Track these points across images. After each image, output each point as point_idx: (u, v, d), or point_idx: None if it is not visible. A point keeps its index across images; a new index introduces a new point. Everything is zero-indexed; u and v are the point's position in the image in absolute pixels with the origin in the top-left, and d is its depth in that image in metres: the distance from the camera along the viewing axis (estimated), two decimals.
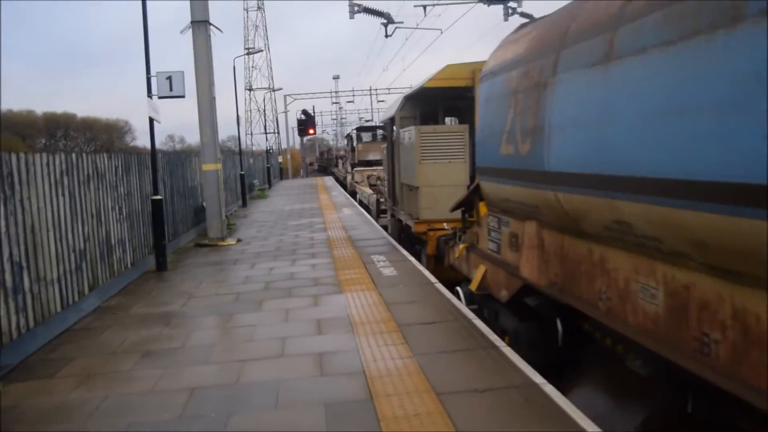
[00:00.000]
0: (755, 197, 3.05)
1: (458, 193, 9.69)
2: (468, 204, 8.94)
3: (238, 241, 15.65)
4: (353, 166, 36.22)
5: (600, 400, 5.61)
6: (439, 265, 11.06)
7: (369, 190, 25.34)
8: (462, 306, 8.07)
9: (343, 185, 39.59)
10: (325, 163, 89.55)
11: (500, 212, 7.43)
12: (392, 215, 16.07)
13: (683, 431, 4.55)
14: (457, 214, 9.30)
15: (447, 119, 14.26)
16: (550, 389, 5.18)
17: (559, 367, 6.33)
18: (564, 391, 5.46)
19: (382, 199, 20.66)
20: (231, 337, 7.38)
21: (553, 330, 6.55)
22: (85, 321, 8.46)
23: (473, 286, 8.17)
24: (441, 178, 11.75)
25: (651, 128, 3.93)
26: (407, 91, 14.68)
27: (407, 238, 14.28)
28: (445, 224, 10.77)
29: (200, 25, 14.78)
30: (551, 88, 5.47)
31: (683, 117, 3.61)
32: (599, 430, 4.51)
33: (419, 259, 12.33)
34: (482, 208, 8.32)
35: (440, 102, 13.43)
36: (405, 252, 12.53)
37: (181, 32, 14.88)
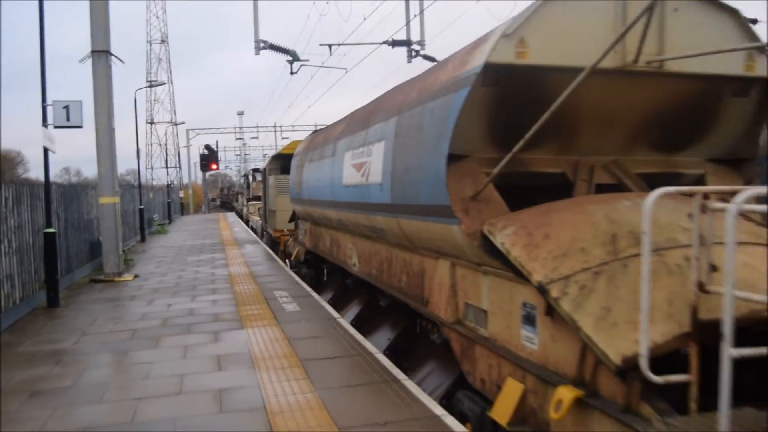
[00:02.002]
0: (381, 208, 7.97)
1: (290, 213, 18.28)
2: (294, 217, 17.70)
3: (136, 276, 15.19)
4: (248, 200, 44.90)
5: (362, 327, 9.62)
6: (283, 252, 20.84)
7: (257, 218, 33.45)
8: (364, 340, 8.12)
9: (242, 217, 46.43)
10: (227, 199, 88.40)
11: (301, 219, 16.13)
12: (264, 230, 26.88)
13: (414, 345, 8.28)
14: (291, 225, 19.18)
15: None
16: (450, 420, 5.28)
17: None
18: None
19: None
20: (126, 374, 7.14)
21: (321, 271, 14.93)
22: None
23: (293, 258, 17.85)
24: (284, 205, 19.70)
25: (321, 185, 11.59)
26: (273, 153, 26.27)
27: (271, 242, 23.75)
28: (285, 230, 21.02)
29: (101, 55, 14.47)
30: (305, 166, 13.43)
31: (323, 184, 11.32)
32: None
33: (275, 251, 21.24)
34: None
35: (288, 160, 18.20)
36: (308, 288, 12.51)
37: (81, 61, 14.53)
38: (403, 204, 7.03)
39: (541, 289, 4.50)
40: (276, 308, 10.45)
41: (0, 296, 9.73)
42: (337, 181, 10.11)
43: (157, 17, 76.40)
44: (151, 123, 76.81)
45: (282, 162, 22.11)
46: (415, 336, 8.32)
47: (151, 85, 45.80)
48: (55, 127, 12.09)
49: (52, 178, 11.89)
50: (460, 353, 6.15)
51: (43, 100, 11.62)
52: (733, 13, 5.24)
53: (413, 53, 22.23)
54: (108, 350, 8.24)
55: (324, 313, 9.94)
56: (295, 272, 15.61)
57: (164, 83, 45.33)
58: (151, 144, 77.45)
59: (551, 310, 4.53)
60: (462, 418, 5.66)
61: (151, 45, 74.62)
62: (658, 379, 3.64)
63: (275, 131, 69.36)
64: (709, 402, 3.54)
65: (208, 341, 8.48)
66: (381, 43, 21.39)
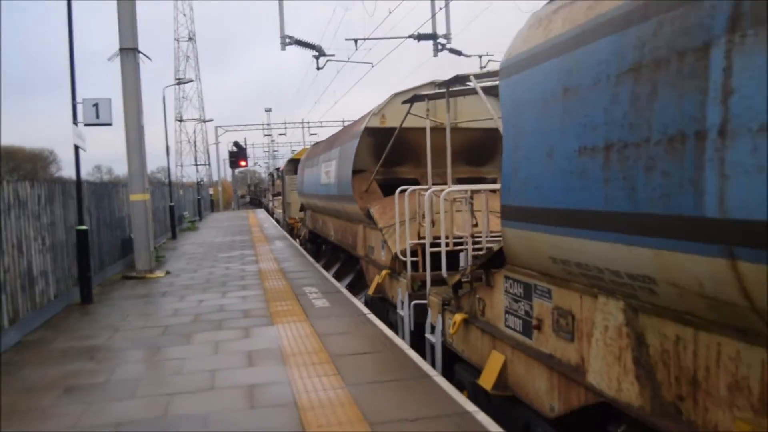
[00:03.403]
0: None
1: (299, 205, 25.91)
2: (302, 208, 24.35)
3: (167, 273, 15.33)
4: (273, 195, 50.99)
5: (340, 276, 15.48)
6: (296, 234, 26.82)
7: (280, 210, 39.75)
8: (395, 336, 8.08)
9: (270, 212, 51.53)
10: (256, 195, 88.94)
11: (305, 209, 23.88)
12: (283, 219, 34.65)
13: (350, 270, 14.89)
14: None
15: None
16: (482, 417, 5.22)
17: None
18: None
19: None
20: (158, 370, 7.19)
21: (320, 246, 21.18)
22: (5, 356, 8.11)
23: (302, 237, 24.93)
24: (296, 199, 26.88)
25: (311, 183, 18.31)
26: (289, 157, 35.33)
27: (288, 227, 31.13)
28: (297, 218, 28.41)
29: (129, 52, 14.59)
30: (305, 170, 20.64)
31: (313, 182, 18.02)
32: None
33: (291, 235, 27.45)
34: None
35: (298, 163, 24.14)
36: (337, 284, 12.52)
37: (109, 59, 14.65)
38: (339, 195, 13.94)
39: (380, 230, 10.85)
40: (306, 304, 10.46)
41: (35, 293, 9.86)
42: (318, 181, 16.84)
43: (185, 15, 77.03)
44: (180, 120, 77.50)
45: (295, 165, 28.54)
46: (352, 265, 14.99)
47: (179, 82, 46.12)
48: (86, 124, 12.22)
49: (84, 176, 12.02)
50: (365, 269, 12.79)
51: (73, 98, 11.75)
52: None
53: (439, 47, 22.13)
54: (140, 346, 8.31)
55: (353, 309, 9.92)
56: (303, 247, 21.59)
57: (192, 81, 45.62)
58: (181, 141, 78.20)
59: (384, 241, 10.63)
60: (459, 387, 6.49)
61: (178, 43, 75.29)
62: (405, 259, 9.26)
63: (303, 127, 69.75)
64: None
65: (239, 337, 8.51)
66: (406, 38, 21.31)
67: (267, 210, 56.83)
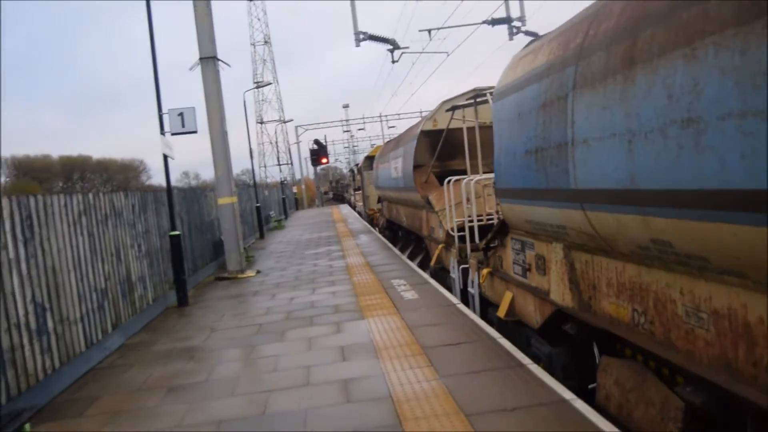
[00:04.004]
0: None
1: (377, 197, 31.02)
2: (380, 200, 28.39)
3: (258, 272, 15.67)
4: (354, 190, 54.32)
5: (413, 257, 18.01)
6: (375, 224, 30.11)
7: (360, 203, 42.76)
8: (486, 326, 8.00)
9: (352, 207, 54.42)
10: (338, 191, 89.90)
11: (382, 200, 27.18)
12: (363, 210, 38.05)
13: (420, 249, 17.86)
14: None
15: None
16: (580, 405, 5.10)
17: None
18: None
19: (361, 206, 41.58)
20: (255, 368, 7.35)
21: (396, 232, 24.05)
22: (110, 359, 8.48)
23: (380, 226, 27.83)
24: (374, 192, 30.73)
25: (385, 177, 22.38)
26: (367, 153, 43.00)
27: (368, 217, 34.50)
28: (375, 208, 33.03)
29: (208, 61, 14.94)
30: (379, 166, 24.70)
31: (386, 176, 21.78)
32: None
33: (371, 224, 29.94)
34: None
35: (373, 160, 28.26)
36: (425, 275, 12.50)
37: (190, 69, 15.06)
38: (405, 186, 16.76)
39: (436, 213, 13.48)
40: (395, 297, 10.48)
41: (134, 298, 10.25)
42: (390, 175, 19.98)
43: (259, 19, 78.72)
44: (261, 123, 79.10)
45: (371, 161, 32.44)
46: (421, 245, 17.36)
47: (258, 86, 46.97)
48: (173, 134, 12.57)
49: (172, 182, 12.39)
50: (429, 246, 15.32)
51: (159, 109, 12.11)
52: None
53: (514, 30, 21.74)
54: (236, 345, 8.52)
55: (443, 300, 9.88)
56: (382, 234, 24.36)
57: (270, 83, 46.27)
58: (263, 143, 79.84)
59: (440, 221, 13.12)
60: (490, 323, 8.62)
61: (255, 47, 76.76)
62: (454, 234, 11.29)
63: (381, 121, 69.93)
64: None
65: (331, 332, 8.61)
66: (480, 23, 21.05)
67: (350, 204, 59.83)
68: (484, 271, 9.33)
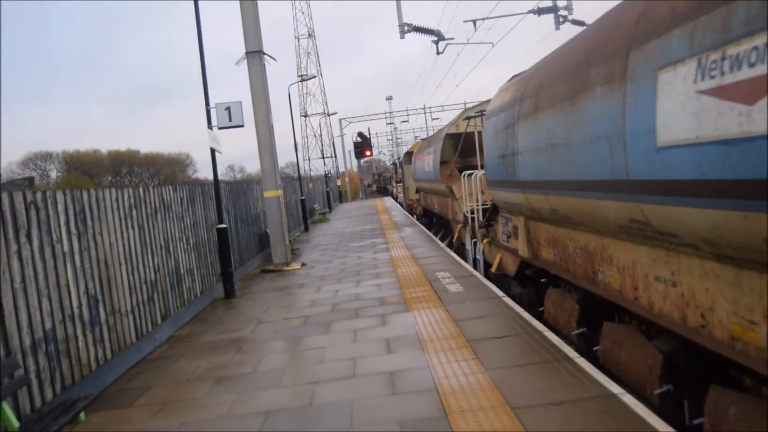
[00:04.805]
0: None
1: (414, 188, 34.40)
2: (417, 190, 31.03)
3: (303, 265, 15.80)
4: (396, 182, 57.99)
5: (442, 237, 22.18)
6: (413, 213, 34.41)
7: (402, 194, 46.16)
8: (532, 319, 7.94)
9: (393, 197, 59.37)
10: (382, 183, 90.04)
11: (419, 191, 30.73)
12: (404, 200, 41.45)
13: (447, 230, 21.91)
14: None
15: None
16: (629, 399, 5.03)
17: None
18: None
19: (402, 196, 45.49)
20: (301, 360, 7.42)
21: (431, 219, 27.64)
22: (160, 350, 8.65)
23: (416, 214, 32.61)
24: (412, 184, 33.55)
25: (421, 170, 26.61)
26: (406, 149, 48.52)
27: (408, 206, 38.15)
28: (414, 198, 34.95)
29: (254, 55, 15.07)
30: (415, 162, 29.22)
31: (421, 169, 26.22)
32: None
33: (410, 213, 35.24)
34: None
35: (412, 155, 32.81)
36: (470, 267, 12.45)
37: (237, 63, 15.20)
38: (435, 179, 20.09)
39: (457, 200, 16.65)
40: (439, 289, 10.47)
41: (183, 290, 10.43)
42: (424, 169, 23.41)
43: (303, 12, 78.88)
44: (305, 116, 79.62)
45: (410, 156, 36.33)
46: (448, 227, 20.60)
47: (303, 79, 47.21)
48: (220, 128, 12.69)
49: (218, 176, 12.55)
50: (453, 228, 18.49)
51: (206, 103, 12.25)
52: None
53: (561, 19, 21.48)
54: (282, 337, 8.61)
55: (488, 293, 9.83)
56: (419, 221, 28.37)
57: (314, 76, 46.56)
58: (307, 136, 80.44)
59: (459, 206, 15.99)
60: (488, 278, 12.14)
61: (299, 40, 77.28)
62: (468, 216, 14.27)
63: (425, 113, 69.66)
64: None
65: (376, 325, 8.64)
66: (527, 13, 20.84)
67: (392, 196, 62.51)
68: (485, 241, 13.15)
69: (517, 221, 10.04)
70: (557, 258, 8.33)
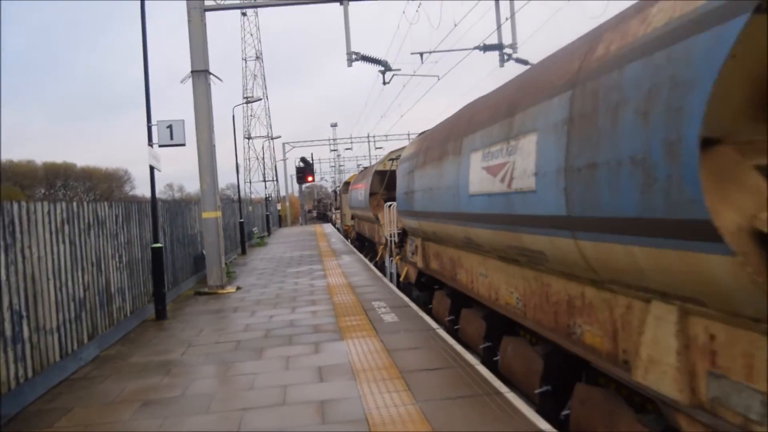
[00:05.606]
0: None
1: (350, 215, 36.91)
2: (352, 217, 34.30)
3: (238, 288, 15.60)
4: (336, 209, 60.17)
5: None
6: (348, 237, 37.39)
7: (339, 220, 49.53)
8: (465, 352, 8.01)
9: (332, 223, 62.49)
10: (322, 209, 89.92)
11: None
12: (340, 225, 45.91)
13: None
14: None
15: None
16: None
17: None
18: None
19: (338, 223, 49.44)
20: (231, 385, 7.30)
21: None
22: (84, 370, 8.39)
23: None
24: (347, 211, 37.05)
25: (357, 202, 29.23)
26: (351, 173, 57.58)
27: (343, 231, 41.35)
28: (349, 224, 37.74)
29: (200, 74, 14.99)
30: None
31: (359, 201, 27.43)
32: None
33: (345, 237, 37.79)
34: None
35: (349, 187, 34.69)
36: (406, 298, 12.50)
37: (182, 81, 15.10)
38: (365, 207, 24.46)
39: (381, 226, 20.39)
40: (374, 318, 10.48)
41: (113, 309, 10.17)
42: (358, 198, 26.27)
43: (251, 35, 78.62)
44: (249, 138, 79.02)
45: (347, 186, 38.92)
46: (374, 248, 24.07)
47: (248, 101, 46.99)
48: (160, 146, 12.52)
49: (157, 194, 12.35)
50: (378, 250, 21.98)
51: (148, 120, 12.08)
52: None
53: (505, 57, 21.92)
54: (213, 361, 8.47)
55: (422, 324, 9.88)
56: (352, 244, 31.47)
57: (260, 99, 46.34)
58: (249, 158, 79.68)
59: (381, 228, 20.38)
60: (398, 287, 14.76)
61: (246, 62, 76.88)
62: (388, 239, 17.00)
63: (368, 141, 70.10)
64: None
65: (309, 352, 8.58)
66: (472, 49, 21.19)
67: (332, 222, 65.58)
68: (397, 258, 16.02)
69: (417, 241, 13.25)
70: (439, 267, 11.58)
